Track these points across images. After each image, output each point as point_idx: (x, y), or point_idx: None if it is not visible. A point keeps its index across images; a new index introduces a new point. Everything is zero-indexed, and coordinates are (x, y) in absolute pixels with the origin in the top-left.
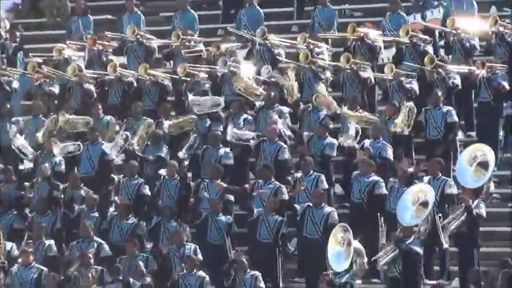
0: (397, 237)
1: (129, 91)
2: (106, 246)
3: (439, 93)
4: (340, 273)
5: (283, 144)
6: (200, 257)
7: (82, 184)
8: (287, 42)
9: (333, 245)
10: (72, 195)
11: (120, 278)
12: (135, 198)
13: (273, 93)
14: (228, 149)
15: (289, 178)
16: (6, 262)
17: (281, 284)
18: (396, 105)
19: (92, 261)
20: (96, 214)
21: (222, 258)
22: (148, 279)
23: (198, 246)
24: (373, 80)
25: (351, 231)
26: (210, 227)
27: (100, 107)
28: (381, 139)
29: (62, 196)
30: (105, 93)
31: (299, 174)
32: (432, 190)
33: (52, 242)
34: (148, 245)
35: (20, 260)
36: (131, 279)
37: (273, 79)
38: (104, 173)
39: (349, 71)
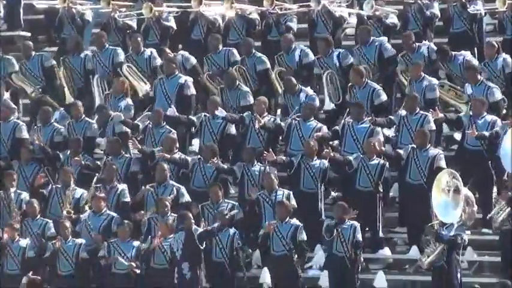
0: (509, 198)
1: (213, 29)
2: (185, 192)
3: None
4: (447, 225)
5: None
6: (294, 203)
7: (164, 123)
8: None
9: (438, 194)
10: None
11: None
12: (219, 139)
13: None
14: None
15: (393, 117)
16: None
17: (381, 234)
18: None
19: (169, 208)
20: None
21: (314, 208)
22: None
23: (291, 192)
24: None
25: (459, 177)
26: (304, 173)
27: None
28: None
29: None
30: (187, 28)
31: (404, 112)
32: None
33: (125, 186)
34: (233, 191)
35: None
36: (195, 227)
37: (377, 13)
38: (182, 109)
39: (455, 4)
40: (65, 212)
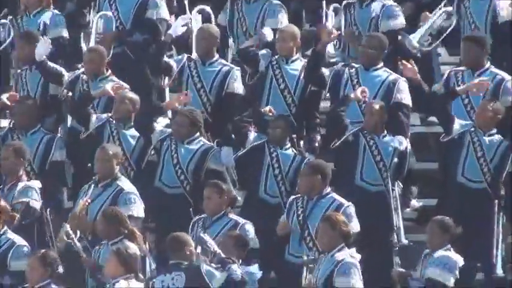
0: None
1: None
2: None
3: None
4: None
5: None
6: (356, 225)
7: None
8: None
9: None
10: None
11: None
12: (214, 101)
13: None
14: None
15: None
16: None
17: (499, 272)
18: None
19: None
20: None
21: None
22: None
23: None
24: None
25: None
26: (363, 156)
27: None
28: None
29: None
30: None
31: None
32: None
33: (36, 184)
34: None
35: None
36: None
37: None
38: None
39: None
40: None
